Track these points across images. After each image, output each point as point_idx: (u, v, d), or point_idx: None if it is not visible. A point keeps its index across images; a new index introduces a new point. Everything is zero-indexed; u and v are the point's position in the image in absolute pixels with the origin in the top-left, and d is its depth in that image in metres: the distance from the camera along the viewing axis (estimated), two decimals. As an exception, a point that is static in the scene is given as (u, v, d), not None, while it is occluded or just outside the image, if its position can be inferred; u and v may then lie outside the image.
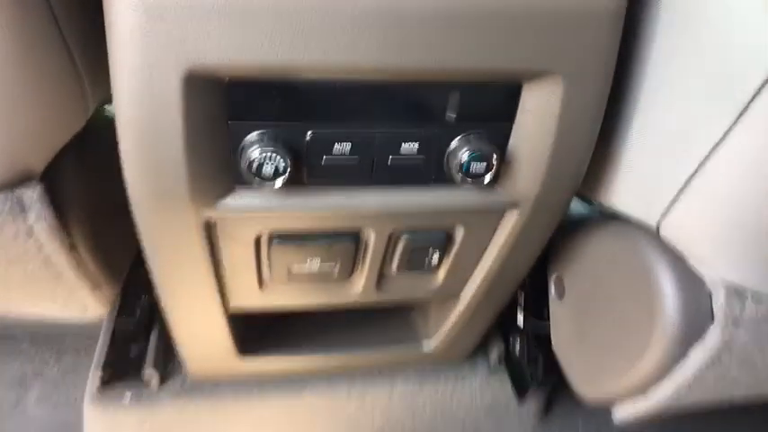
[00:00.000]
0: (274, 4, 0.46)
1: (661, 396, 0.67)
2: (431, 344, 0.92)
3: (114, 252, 0.73)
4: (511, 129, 0.58)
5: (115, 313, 0.95)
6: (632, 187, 0.62)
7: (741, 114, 0.49)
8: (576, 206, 0.85)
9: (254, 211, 0.58)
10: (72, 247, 0.61)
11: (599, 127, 0.58)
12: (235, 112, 0.52)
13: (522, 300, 0.96)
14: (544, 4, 0.49)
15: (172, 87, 0.48)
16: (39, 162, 0.56)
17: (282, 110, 0.53)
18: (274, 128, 0.54)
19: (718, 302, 0.59)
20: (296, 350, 0.91)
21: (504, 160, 0.59)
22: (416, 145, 0.57)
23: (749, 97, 0.47)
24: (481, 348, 1.03)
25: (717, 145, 0.51)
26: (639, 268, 0.64)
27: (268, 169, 0.53)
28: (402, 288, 0.76)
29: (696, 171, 0.54)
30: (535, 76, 0.53)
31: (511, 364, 1.02)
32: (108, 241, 0.70)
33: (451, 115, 0.56)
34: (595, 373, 0.75)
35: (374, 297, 0.76)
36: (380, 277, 0.73)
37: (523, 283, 0.96)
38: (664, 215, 0.59)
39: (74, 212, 0.61)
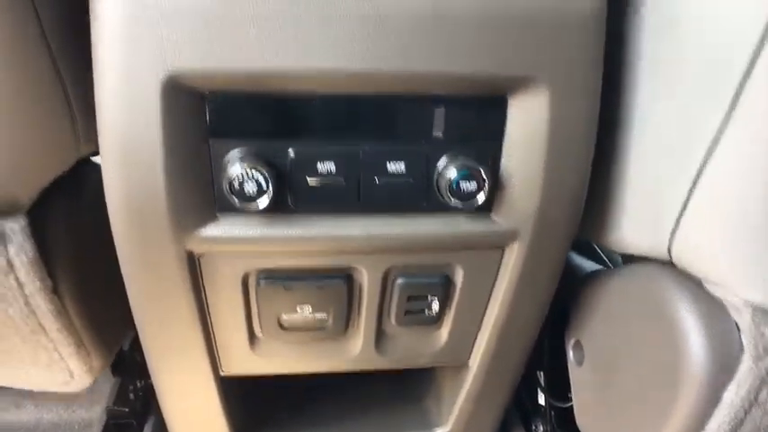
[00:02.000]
0: (252, 10, 0.47)
1: None
2: (444, 430, 0.84)
3: (102, 315, 0.70)
4: (501, 148, 0.56)
5: (111, 402, 0.90)
6: (637, 213, 0.59)
7: (732, 106, 0.47)
8: (588, 266, 0.81)
9: (237, 241, 0.56)
10: (53, 291, 0.59)
11: (593, 142, 0.57)
12: (215, 128, 0.53)
13: (542, 380, 0.89)
14: (523, 6, 0.50)
15: (151, 96, 0.49)
16: (25, 195, 0.56)
17: (264, 127, 0.53)
18: (256, 146, 0.53)
19: (745, 329, 0.53)
20: (298, 438, 0.84)
21: (496, 182, 0.57)
22: (403, 164, 0.56)
23: (737, 86, 0.46)
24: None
25: (713, 144, 0.49)
26: (656, 307, 0.59)
27: (249, 188, 0.52)
28: (404, 348, 0.70)
29: (697, 176, 0.51)
30: (519, 85, 0.53)
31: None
32: (96, 301, 0.68)
33: (438, 133, 0.56)
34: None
35: (375, 359, 0.70)
36: (379, 334, 0.68)
37: (542, 362, 0.89)
38: (672, 235, 0.55)
39: (58, 253, 0.60)
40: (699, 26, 0.49)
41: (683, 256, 0.55)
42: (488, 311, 0.68)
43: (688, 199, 0.52)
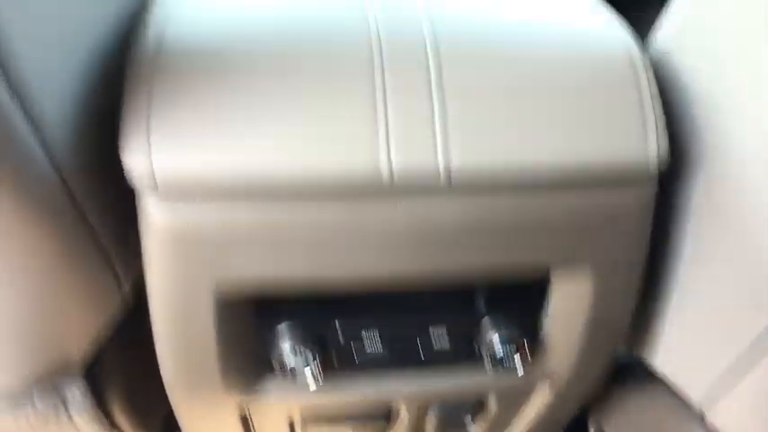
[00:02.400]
0: (297, 231, 0.47)
1: None
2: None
3: (150, 415, 0.74)
4: (541, 314, 0.57)
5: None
6: (674, 363, 0.59)
7: None
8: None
9: (285, 399, 0.59)
10: (112, 426, 0.63)
11: (632, 311, 0.57)
12: (264, 313, 0.54)
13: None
14: (567, 205, 0.49)
15: (203, 304, 0.49)
16: (78, 354, 0.58)
17: (309, 304, 0.54)
18: (301, 321, 0.55)
19: None
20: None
21: (535, 343, 0.58)
22: (445, 331, 0.57)
23: None
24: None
25: (755, 345, 0.49)
26: None
27: (297, 363, 0.54)
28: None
29: (742, 367, 0.51)
30: (563, 266, 0.53)
31: None
32: (146, 407, 0.71)
33: (480, 303, 0.56)
34: None
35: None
36: (415, 437, 0.72)
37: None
38: (708, 405, 0.56)
39: (115, 401, 0.62)
40: (747, 229, 0.48)
41: (717, 424, 0.57)
42: (522, 415, 0.71)
43: (728, 380, 0.53)
